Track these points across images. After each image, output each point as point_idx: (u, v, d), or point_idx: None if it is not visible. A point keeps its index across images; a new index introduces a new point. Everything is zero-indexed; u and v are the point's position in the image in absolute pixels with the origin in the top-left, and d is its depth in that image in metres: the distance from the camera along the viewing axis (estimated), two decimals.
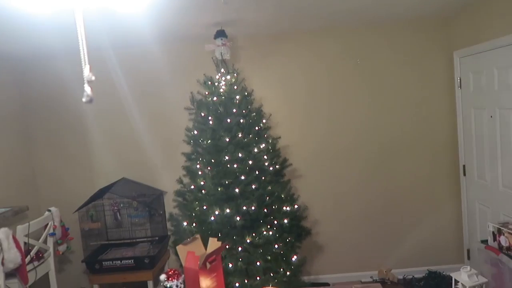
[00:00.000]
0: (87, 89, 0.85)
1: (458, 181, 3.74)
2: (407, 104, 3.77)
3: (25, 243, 2.84)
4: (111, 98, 3.81)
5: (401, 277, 3.81)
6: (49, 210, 3.19)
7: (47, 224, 3.15)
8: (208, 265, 1.68)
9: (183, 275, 1.76)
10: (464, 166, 3.62)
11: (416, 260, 3.88)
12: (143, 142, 3.88)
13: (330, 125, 3.82)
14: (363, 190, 3.86)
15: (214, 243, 1.81)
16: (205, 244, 1.85)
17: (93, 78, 0.87)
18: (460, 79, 3.55)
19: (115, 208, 3.64)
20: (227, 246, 2.86)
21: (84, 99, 0.86)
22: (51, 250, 3.18)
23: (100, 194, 3.57)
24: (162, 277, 1.71)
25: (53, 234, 3.17)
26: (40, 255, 3.08)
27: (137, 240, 3.72)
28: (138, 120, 3.87)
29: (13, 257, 2.61)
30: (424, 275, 3.78)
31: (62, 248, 3.29)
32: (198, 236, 1.83)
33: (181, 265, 2.23)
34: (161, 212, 3.81)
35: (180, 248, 1.72)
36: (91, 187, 3.76)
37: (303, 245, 3.45)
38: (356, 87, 3.78)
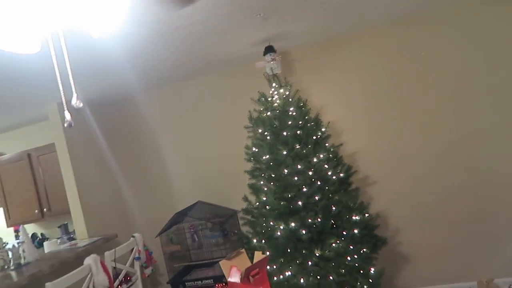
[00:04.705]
0: (67, 115, 0.94)
1: None
2: (483, 91, 3.35)
3: (113, 267, 3.13)
4: (183, 128, 4.12)
5: (506, 287, 3.30)
6: (133, 236, 3.47)
7: (133, 249, 3.43)
8: (251, 279, 1.67)
9: None
10: None
11: None
12: (214, 165, 4.08)
13: (400, 124, 3.55)
14: (448, 191, 3.47)
15: (259, 257, 1.79)
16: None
17: (81, 105, 0.96)
18: None
19: (192, 230, 3.83)
20: (267, 257, 2.80)
21: (65, 124, 0.94)
22: (138, 273, 3.44)
23: (178, 217, 3.79)
24: None
25: (138, 259, 3.44)
26: (129, 278, 3.35)
27: (216, 260, 3.83)
28: (207, 144, 4.09)
29: (101, 280, 2.88)
30: None
31: (147, 271, 3.54)
32: (243, 250, 1.83)
33: None
34: (235, 231, 3.89)
35: (223, 263, 1.74)
36: (172, 211, 4.02)
37: (385, 257, 3.22)
38: (422, 81, 3.48)
